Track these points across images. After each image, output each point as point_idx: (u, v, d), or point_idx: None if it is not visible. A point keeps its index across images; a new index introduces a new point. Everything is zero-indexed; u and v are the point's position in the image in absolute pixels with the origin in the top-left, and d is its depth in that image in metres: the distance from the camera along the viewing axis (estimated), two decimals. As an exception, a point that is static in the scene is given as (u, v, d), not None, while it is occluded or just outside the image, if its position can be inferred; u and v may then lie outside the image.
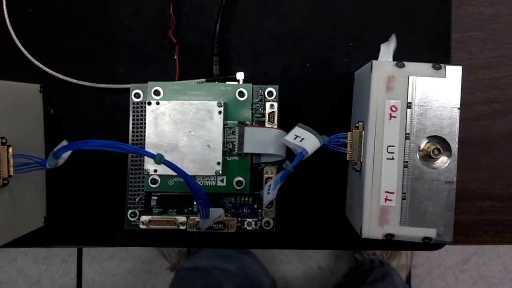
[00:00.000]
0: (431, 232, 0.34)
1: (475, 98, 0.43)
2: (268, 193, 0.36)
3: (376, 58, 0.36)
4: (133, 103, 0.40)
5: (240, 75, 0.40)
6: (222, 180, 0.39)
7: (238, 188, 0.39)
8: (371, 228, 0.34)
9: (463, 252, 1.04)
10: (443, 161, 0.34)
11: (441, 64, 0.34)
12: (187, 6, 0.42)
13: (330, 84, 0.42)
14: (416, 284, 1.03)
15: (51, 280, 1.04)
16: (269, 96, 0.40)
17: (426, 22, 0.42)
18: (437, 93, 0.34)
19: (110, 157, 0.41)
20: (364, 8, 0.42)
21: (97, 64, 0.42)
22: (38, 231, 0.40)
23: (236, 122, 0.39)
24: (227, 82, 0.40)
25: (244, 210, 0.40)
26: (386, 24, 0.42)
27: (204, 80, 0.40)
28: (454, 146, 0.34)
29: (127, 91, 0.40)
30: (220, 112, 0.38)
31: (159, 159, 0.32)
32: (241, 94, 0.39)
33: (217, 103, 0.38)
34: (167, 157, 0.32)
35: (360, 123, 0.35)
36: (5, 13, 0.41)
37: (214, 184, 0.39)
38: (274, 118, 0.39)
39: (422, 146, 0.34)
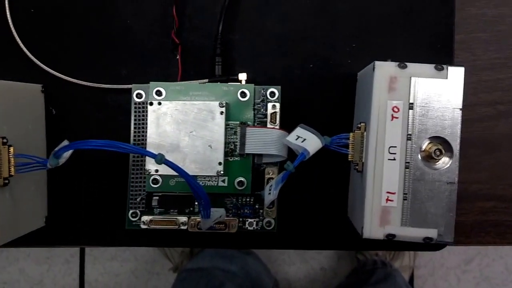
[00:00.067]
0: (432, 233, 0.34)
1: (478, 99, 0.43)
2: (270, 193, 0.36)
3: (379, 59, 0.36)
4: (135, 103, 0.40)
5: (242, 76, 0.40)
6: (223, 181, 0.39)
7: (240, 188, 0.39)
8: (372, 229, 0.34)
9: (465, 253, 1.04)
10: (444, 162, 0.34)
11: (443, 65, 0.34)
12: (190, 7, 0.42)
13: (332, 84, 0.42)
14: (419, 285, 1.03)
15: (53, 280, 1.04)
16: (271, 97, 0.39)
17: (428, 22, 0.42)
18: (439, 94, 0.34)
19: (112, 157, 0.41)
20: (365, 8, 0.42)
21: (99, 65, 0.42)
22: (39, 230, 0.40)
23: (238, 122, 0.39)
24: (229, 83, 0.40)
25: (246, 211, 0.40)
26: (388, 25, 0.42)
27: (206, 80, 0.40)
28: (456, 147, 0.34)
29: (129, 91, 0.40)
30: (222, 113, 0.38)
31: (160, 159, 0.32)
32: (243, 94, 0.39)
33: (219, 103, 0.38)
34: (169, 157, 0.32)
35: (362, 124, 0.35)
36: (8, 13, 0.41)
37: (215, 185, 0.39)
38: (276, 119, 0.39)
39: (423, 147, 0.34)
